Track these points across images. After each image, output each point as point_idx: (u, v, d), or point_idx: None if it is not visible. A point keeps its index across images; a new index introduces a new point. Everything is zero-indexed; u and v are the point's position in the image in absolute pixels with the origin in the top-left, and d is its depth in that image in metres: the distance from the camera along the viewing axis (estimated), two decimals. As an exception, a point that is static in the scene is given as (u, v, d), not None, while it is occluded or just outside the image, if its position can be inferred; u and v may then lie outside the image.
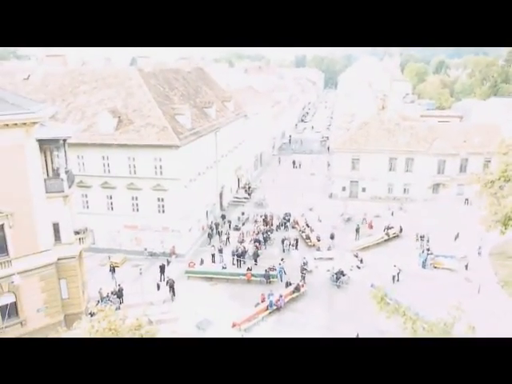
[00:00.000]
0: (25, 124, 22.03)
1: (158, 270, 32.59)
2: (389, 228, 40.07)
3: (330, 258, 35.67)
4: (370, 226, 40.96)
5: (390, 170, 49.55)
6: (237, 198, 50.98)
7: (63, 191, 24.37)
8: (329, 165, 65.26)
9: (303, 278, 31.77)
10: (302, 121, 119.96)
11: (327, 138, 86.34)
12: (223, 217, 43.28)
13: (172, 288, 30.38)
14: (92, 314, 22.88)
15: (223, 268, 33.25)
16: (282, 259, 34.24)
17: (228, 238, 38.69)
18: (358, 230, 39.63)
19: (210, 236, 40.15)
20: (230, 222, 43.10)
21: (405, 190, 49.88)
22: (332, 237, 38.42)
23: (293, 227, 42.50)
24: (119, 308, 26.63)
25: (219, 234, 39.82)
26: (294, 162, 68.38)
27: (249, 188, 53.85)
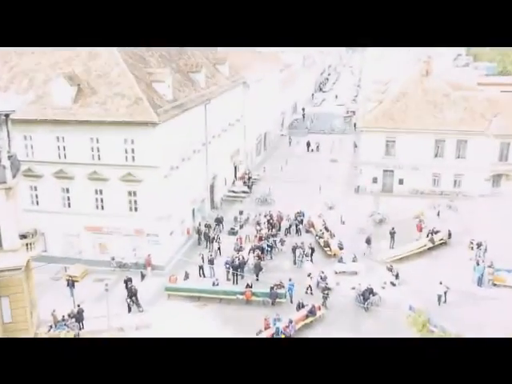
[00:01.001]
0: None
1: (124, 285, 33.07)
2: (434, 232, 40.32)
3: (356, 272, 35.98)
4: (420, 229, 41.28)
5: (436, 155, 49.72)
6: (233, 192, 51.47)
7: (5, 182, 24.64)
8: (355, 148, 65.38)
9: (325, 299, 32.06)
10: (320, 90, 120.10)
11: (353, 112, 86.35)
12: (218, 220, 43.70)
13: (133, 298, 30.74)
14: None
15: (214, 284, 33.58)
16: (289, 279, 34.30)
17: (220, 247, 39.11)
18: (392, 235, 39.95)
19: (197, 242, 40.55)
20: (223, 222, 43.49)
21: (455, 182, 50.18)
22: (368, 241, 38.76)
23: (307, 231, 42.92)
24: (78, 335, 27.01)
25: (209, 239, 40.21)
26: (308, 145, 68.84)
27: (249, 179, 54.21)
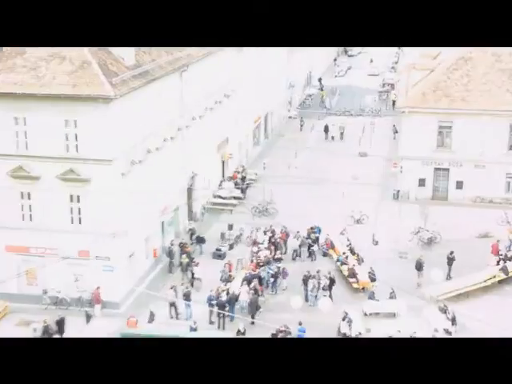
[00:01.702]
0: None
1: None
2: (508, 259, 40.28)
3: (395, 314, 35.91)
4: (496, 252, 41.06)
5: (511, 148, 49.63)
6: (220, 197, 51.54)
7: None
8: (395, 134, 65.30)
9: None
10: (346, 52, 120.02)
11: (392, 86, 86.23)
12: (198, 237, 43.71)
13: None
14: None
15: (192, 330, 33.49)
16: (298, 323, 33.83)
17: (199, 276, 38.98)
18: (450, 262, 39.84)
19: (168, 269, 40.69)
20: (205, 241, 43.42)
21: (539, 187, 50.24)
22: (419, 267, 38.73)
23: (325, 254, 43.00)
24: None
25: (185, 264, 40.13)
26: (327, 130, 69.13)
27: (243, 179, 54.19)
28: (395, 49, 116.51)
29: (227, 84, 52.89)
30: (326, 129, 69.09)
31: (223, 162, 54.22)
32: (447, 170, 50.63)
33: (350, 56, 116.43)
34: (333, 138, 68.46)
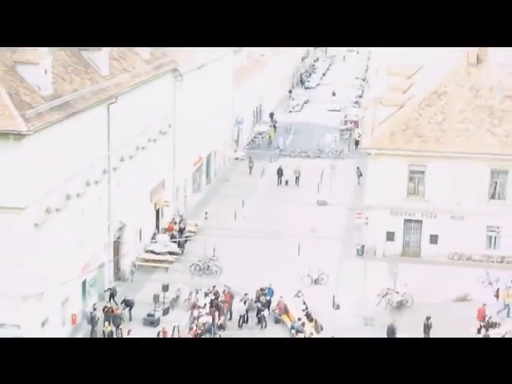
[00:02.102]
0: None
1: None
2: (489, 325, 40.54)
3: None
4: (482, 317, 41.12)
5: (493, 196, 50.51)
6: (153, 252, 51.37)
7: None
8: (360, 179, 66.25)
9: None
10: (302, 83, 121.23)
11: (355, 123, 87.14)
12: (126, 301, 43.12)
13: None
14: None
15: None
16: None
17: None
18: (427, 329, 40.08)
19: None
20: (134, 305, 43.06)
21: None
22: (392, 332, 38.76)
23: (276, 321, 42.99)
24: None
25: (108, 333, 39.78)
26: (280, 174, 69.70)
27: (181, 232, 54.25)
28: (359, 81, 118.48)
29: (163, 119, 53.05)
30: (280, 172, 69.49)
31: (157, 211, 54.03)
32: (420, 221, 51.07)
33: (307, 88, 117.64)
34: (287, 182, 68.97)
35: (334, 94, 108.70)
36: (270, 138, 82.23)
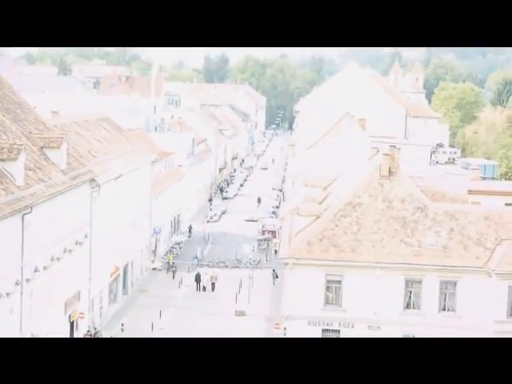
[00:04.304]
0: None
1: None
2: None
3: None
4: None
5: (408, 306, 50.88)
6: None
7: None
8: (275, 280, 67.33)
9: None
10: (221, 193, 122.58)
11: (273, 233, 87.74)
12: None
13: None
14: None
15: None
16: None
17: None
18: None
19: None
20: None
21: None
22: None
23: None
24: None
25: None
26: (198, 280, 70.38)
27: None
28: (276, 191, 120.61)
29: (79, 229, 52.51)
30: (198, 278, 69.81)
31: (72, 323, 52.67)
32: (337, 331, 50.75)
33: (224, 199, 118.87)
34: (204, 288, 69.15)
35: (259, 201, 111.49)
36: (169, 263, 78.57)
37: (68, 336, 52.02)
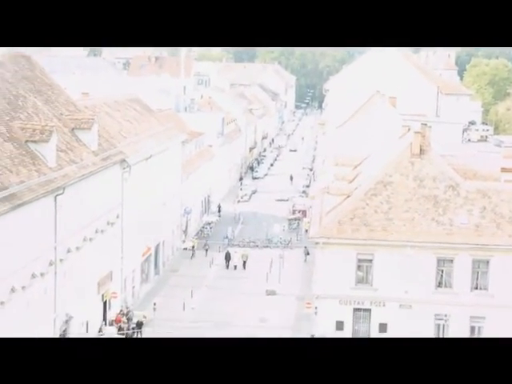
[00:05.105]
0: None
1: None
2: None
3: None
4: None
5: (440, 285, 50.82)
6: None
7: None
8: (306, 257, 67.52)
9: None
10: (252, 172, 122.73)
11: (303, 213, 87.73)
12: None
13: None
14: None
15: None
16: None
17: None
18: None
19: None
20: None
21: (473, 329, 50.72)
22: None
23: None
24: None
25: None
26: (228, 258, 71.02)
27: (128, 321, 53.87)
28: (306, 170, 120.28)
29: (111, 209, 52.92)
30: (228, 256, 70.29)
31: (105, 303, 53.24)
32: (368, 310, 50.96)
33: (255, 178, 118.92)
34: (235, 267, 69.43)
35: (291, 179, 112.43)
36: (193, 247, 77.00)
37: (101, 316, 52.75)
